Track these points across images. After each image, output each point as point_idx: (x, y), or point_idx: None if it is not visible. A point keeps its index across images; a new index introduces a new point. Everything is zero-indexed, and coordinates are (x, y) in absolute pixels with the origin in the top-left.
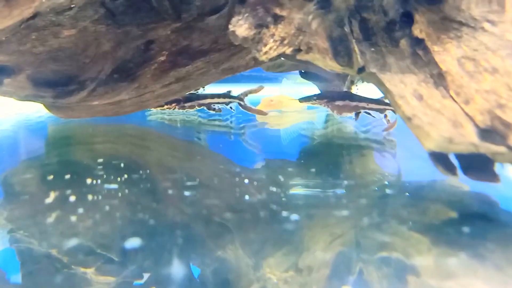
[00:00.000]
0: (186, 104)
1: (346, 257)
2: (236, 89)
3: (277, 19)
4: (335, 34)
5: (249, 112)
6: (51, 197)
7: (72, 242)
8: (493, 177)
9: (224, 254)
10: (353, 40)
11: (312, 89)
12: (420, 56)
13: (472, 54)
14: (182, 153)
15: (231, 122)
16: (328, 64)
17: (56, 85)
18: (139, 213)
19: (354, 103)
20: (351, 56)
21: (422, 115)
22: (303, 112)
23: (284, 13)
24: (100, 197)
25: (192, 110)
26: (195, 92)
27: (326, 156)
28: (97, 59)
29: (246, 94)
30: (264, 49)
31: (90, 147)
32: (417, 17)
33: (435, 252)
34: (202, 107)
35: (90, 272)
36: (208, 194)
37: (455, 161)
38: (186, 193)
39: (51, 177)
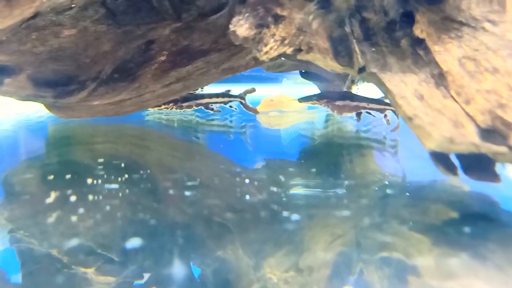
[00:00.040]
0: (183, 104)
1: (346, 257)
2: (236, 89)
3: (277, 19)
4: (335, 34)
5: (248, 111)
6: (52, 197)
7: (72, 242)
8: (494, 177)
9: (225, 254)
10: (354, 40)
11: (313, 89)
12: (421, 56)
13: (473, 54)
14: (182, 153)
15: (230, 121)
16: (329, 64)
17: (56, 85)
18: (139, 213)
19: (355, 103)
20: (352, 56)
21: (423, 115)
22: (304, 112)
23: (284, 13)
24: (100, 197)
25: (190, 110)
26: (192, 92)
27: (326, 156)
28: (98, 59)
29: (246, 93)
30: (265, 49)
31: (91, 147)
32: (417, 17)
33: (436, 252)
34: (200, 107)
35: (90, 272)
36: (209, 194)
37: (456, 161)
38: (187, 193)
39: (51, 177)
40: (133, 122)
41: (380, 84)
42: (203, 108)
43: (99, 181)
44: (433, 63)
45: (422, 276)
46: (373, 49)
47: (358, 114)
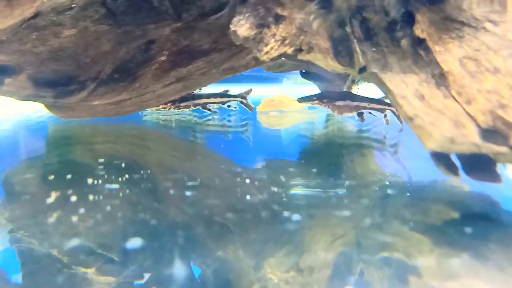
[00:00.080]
0: (181, 104)
1: (347, 257)
2: (237, 89)
3: (278, 19)
4: (336, 34)
5: (249, 110)
6: (52, 197)
7: (73, 242)
8: (495, 177)
9: (225, 254)
10: (355, 40)
11: (313, 89)
12: (422, 56)
13: (473, 54)
14: (183, 153)
15: (228, 121)
16: (329, 64)
17: (56, 85)
18: (140, 213)
19: (355, 103)
20: (352, 56)
21: (423, 115)
22: (304, 112)
23: (285, 13)
24: (101, 197)
25: (188, 110)
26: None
27: (327, 156)
28: (98, 59)
29: (247, 93)
30: (265, 49)
31: (91, 147)
32: (418, 17)
33: (437, 253)
34: (197, 107)
35: (90, 272)
36: (209, 194)
37: (456, 161)
38: (187, 193)
39: (51, 177)
40: (131, 122)
41: (381, 84)
42: (200, 108)
43: (100, 181)
44: (433, 63)
45: (422, 276)
46: (374, 49)
47: (360, 114)
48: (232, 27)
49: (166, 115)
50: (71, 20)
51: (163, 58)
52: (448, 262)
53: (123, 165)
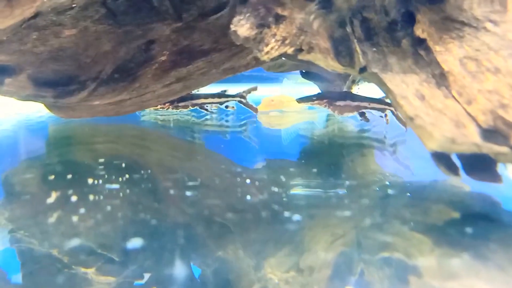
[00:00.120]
0: (179, 104)
1: (347, 257)
2: (236, 89)
3: (278, 19)
4: (336, 34)
5: (250, 109)
6: (52, 197)
7: (73, 242)
8: (496, 177)
9: (225, 254)
10: (355, 40)
11: (313, 89)
12: (422, 56)
13: (474, 54)
14: (183, 153)
15: (226, 121)
16: (330, 64)
17: (57, 85)
18: (140, 213)
19: (355, 103)
20: (353, 56)
21: (424, 115)
22: (304, 112)
23: (285, 13)
24: (101, 197)
25: (186, 110)
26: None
27: (327, 156)
28: (98, 59)
29: (248, 92)
30: (266, 49)
31: (91, 147)
32: (418, 17)
33: (437, 253)
34: (195, 107)
35: (90, 272)
36: (210, 194)
37: (457, 161)
38: (188, 193)
39: (52, 177)
40: (129, 122)
41: (381, 84)
42: (198, 108)
43: (100, 181)
44: (434, 63)
45: (423, 276)
46: (374, 49)
47: (363, 114)
48: (232, 27)
49: (164, 115)
50: (71, 20)
51: (163, 58)
52: (448, 262)
53: (123, 165)
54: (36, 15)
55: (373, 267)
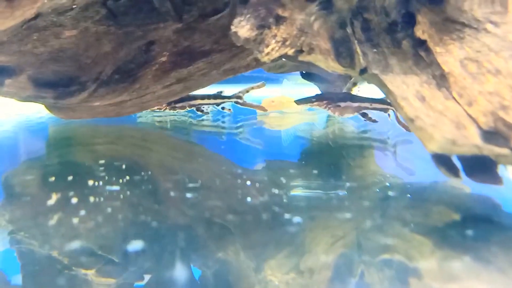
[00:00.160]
0: (177, 105)
1: (348, 259)
2: (236, 90)
3: (279, 20)
4: (337, 35)
5: (250, 108)
6: (52, 198)
7: (73, 243)
8: (496, 179)
9: (226, 256)
10: (355, 41)
11: (314, 90)
12: (423, 57)
13: (475, 55)
14: (183, 154)
15: (222, 122)
16: (330, 65)
17: (57, 86)
18: (140, 215)
19: (356, 104)
20: (353, 57)
21: (424, 116)
22: (304, 113)
23: (286, 14)
24: (101, 199)
25: (183, 111)
26: None
27: (327, 157)
28: (98, 59)
29: (247, 91)
30: (266, 50)
31: (91, 148)
32: (419, 18)
33: (438, 255)
34: (192, 108)
35: (91, 273)
36: (210, 196)
37: (457, 163)
38: (188, 195)
39: (52, 178)
40: (127, 123)
41: (382, 86)
42: (194, 109)
43: (100, 182)
44: (434, 64)
45: (423, 278)
46: (375, 50)
47: (365, 115)
48: (233, 28)
49: (161, 116)
50: (71, 21)
51: (164, 59)
52: (449, 264)
53: (123, 166)
54: (36, 16)
55: (374, 269)
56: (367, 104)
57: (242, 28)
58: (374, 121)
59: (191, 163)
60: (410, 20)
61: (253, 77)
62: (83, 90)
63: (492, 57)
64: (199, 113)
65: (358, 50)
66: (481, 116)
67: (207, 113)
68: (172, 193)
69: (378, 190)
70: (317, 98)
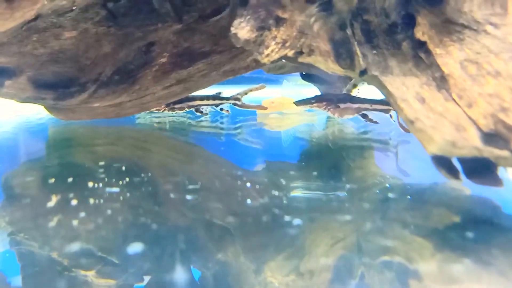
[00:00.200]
0: (175, 106)
1: (348, 261)
2: (235, 91)
3: (279, 21)
4: (337, 36)
5: (249, 109)
6: (52, 199)
7: (73, 244)
8: (496, 181)
9: (226, 258)
10: (355, 43)
11: (314, 90)
12: (422, 59)
13: (474, 57)
14: (182, 155)
15: (221, 123)
16: (330, 66)
17: (57, 87)
18: (140, 217)
19: (356, 105)
20: (353, 58)
21: (424, 118)
22: (304, 114)
23: (286, 15)
24: (101, 201)
25: (182, 112)
26: None
27: (327, 158)
28: (98, 61)
29: (245, 92)
30: (266, 52)
31: (91, 149)
32: (419, 19)
33: (438, 257)
34: (191, 109)
35: (90, 275)
36: (210, 198)
37: (457, 165)
38: (188, 196)
39: (52, 179)
40: (125, 124)
41: (382, 87)
42: (193, 110)
43: (100, 184)
44: (434, 66)
45: (424, 280)
46: (375, 51)
47: (365, 116)
48: (233, 30)
49: (160, 117)
50: (71, 22)
51: (164, 60)
52: (449, 266)
53: (123, 168)
54: (36, 17)
55: (374, 271)
56: (367, 105)
57: (242, 29)
58: (375, 122)
59: (191, 164)
60: (410, 22)
61: (253, 78)
62: (83, 91)
63: (492, 58)
64: (198, 114)
65: (358, 51)
66: (481, 118)
67: (206, 114)
68: (172, 195)
69: (378, 191)
70: (317, 99)
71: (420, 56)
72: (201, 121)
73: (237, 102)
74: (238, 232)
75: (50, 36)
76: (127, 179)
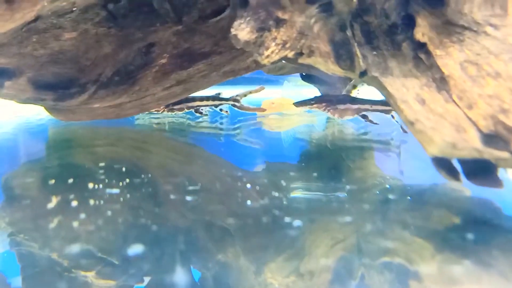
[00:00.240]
0: (175, 107)
1: (348, 262)
2: (235, 92)
3: (279, 22)
4: (337, 37)
5: (248, 112)
6: (52, 200)
7: (73, 245)
8: (497, 182)
9: (226, 259)
10: (355, 44)
11: (314, 91)
12: (422, 60)
13: (474, 58)
14: (182, 156)
15: (220, 123)
16: (330, 67)
17: (57, 88)
18: (141, 218)
19: (356, 106)
20: (353, 59)
21: (424, 119)
22: (304, 115)
23: (286, 16)
24: (101, 202)
25: (181, 112)
26: None
27: (327, 159)
28: (98, 61)
29: (244, 94)
30: (266, 53)
31: (91, 150)
32: (419, 20)
33: (438, 258)
34: (190, 110)
35: (90, 275)
36: (210, 199)
37: (457, 166)
38: (188, 198)
39: (52, 180)
40: (124, 125)
41: (382, 88)
42: (193, 111)
43: (100, 185)
44: (434, 67)
45: (424, 282)
46: (375, 52)
47: (365, 117)
48: (233, 31)
49: (159, 118)
50: (71, 23)
51: (164, 61)
52: (449, 268)
53: (123, 169)
54: (36, 19)
55: (374, 272)
56: (367, 106)
57: (242, 30)
58: (375, 123)
59: (191, 165)
60: (410, 23)
61: (253, 78)
62: (83, 92)
63: (492, 60)
64: (197, 114)
65: (358, 52)
66: (481, 119)
67: (206, 115)
68: (172, 196)
69: (378, 192)
70: (316, 100)
71: (420, 57)
72: (201, 121)
73: (236, 104)
74: (238, 233)
75: (50, 37)
76: (127, 180)
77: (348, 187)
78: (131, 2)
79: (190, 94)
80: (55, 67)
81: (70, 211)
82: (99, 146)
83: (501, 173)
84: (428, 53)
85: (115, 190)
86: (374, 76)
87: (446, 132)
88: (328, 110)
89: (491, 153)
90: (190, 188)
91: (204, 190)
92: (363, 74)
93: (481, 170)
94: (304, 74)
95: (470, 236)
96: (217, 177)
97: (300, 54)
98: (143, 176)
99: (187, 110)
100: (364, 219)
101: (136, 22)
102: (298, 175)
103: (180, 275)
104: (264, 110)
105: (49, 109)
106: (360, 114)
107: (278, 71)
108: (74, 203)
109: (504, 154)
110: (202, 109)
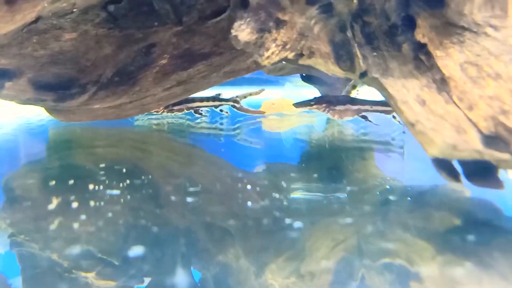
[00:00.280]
0: (174, 108)
1: (348, 263)
2: (234, 93)
3: (279, 23)
4: (337, 38)
5: (246, 114)
6: (53, 201)
7: (73, 246)
8: (497, 183)
9: (226, 260)
10: (355, 45)
11: (314, 92)
12: (423, 61)
13: (475, 59)
14: (183, 157)
15: (220, 124)
16: (330, 68)
17: (57, 88)
18: (141, 219)
19: (356, 107)
20: (353, 60)
21: (425, 120)
22: (304, 116)
23: (286, 17)
24: (102, 203)
25: (181, 113)
26: None
27: (327, 160)
28: (98, 62)
29: (244, 96)
30: (266, 54)
31: (92, 150)
32: (419, 21)
33: (439, 260)
34: (190, 111)
35: (90, 276)
36: (211, 200)
37: (458, 167)
38: (189, 199)
39: (52, 181)
40: (124, 126)
41: (382, 89)
42: (192, 112)
43: (101, 186)
44: (435, 68)
45: (425, 283)
46: (375, 53)
47: (365, 117)
48: (233, 32)
49: (158, 119)
50: (71, 24)
51: (164, 61)
52: (450, 269)
53: (124, 170)
54: (36, 19)
55: (375, 273)
56: (367, 107)
57: (242, 31)
58: (375, 124)
59: (191, 166)
60: (410, 24)
61: (253, 79)
62: (83, 93)
63: (492, 61)
64: (197, 115)
65: (358, 53)
66: (482, 121)
67: (205, 115)
68: (172, 197)
69: (378, 193)
70: (316, 101)
71: (421, 58)
72: (200, 122)
73: (236, 105)
74: (238, 234)
75: (50, 38)
76: (128, 181)
77: (348, 188)
78: (131, 3)
79: (190, 94)
80: (55, 68)
81: (70, 212)
82: (99, 147)
83: (502, 174)
84: (429, 54)
85: (116, 191)
86: (374, 77)
87: (446, 133)
88: (328, 111)
89: (492, 154)
90: (191, 189)
91: (204, 191)
92: (363, 75)
93: (481, 171)
94: (304, 75)
95: (470, 237)
96: (217, 178)
97: (300, 55)
98: (143, 177)
99: (186, 111)
100: (365, 220)
101: (136, 22)
102: (299, 176)
103: (180, 276)
104: (263, 112)
105: (49, 110)
106: (360, 114)
107: (278, 72)
108: (75, 204)
109: (505, 155)
110: (201, 110)
